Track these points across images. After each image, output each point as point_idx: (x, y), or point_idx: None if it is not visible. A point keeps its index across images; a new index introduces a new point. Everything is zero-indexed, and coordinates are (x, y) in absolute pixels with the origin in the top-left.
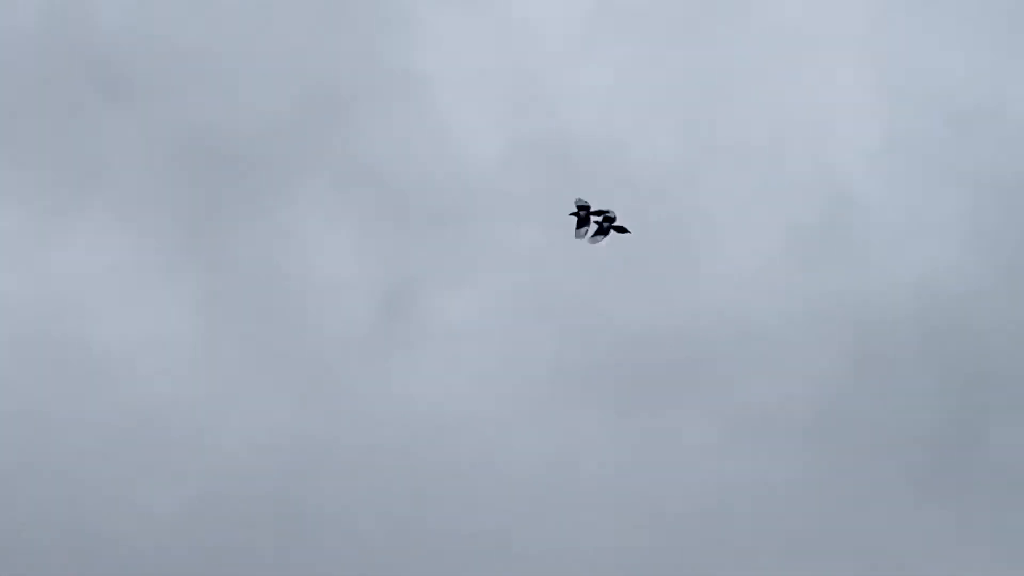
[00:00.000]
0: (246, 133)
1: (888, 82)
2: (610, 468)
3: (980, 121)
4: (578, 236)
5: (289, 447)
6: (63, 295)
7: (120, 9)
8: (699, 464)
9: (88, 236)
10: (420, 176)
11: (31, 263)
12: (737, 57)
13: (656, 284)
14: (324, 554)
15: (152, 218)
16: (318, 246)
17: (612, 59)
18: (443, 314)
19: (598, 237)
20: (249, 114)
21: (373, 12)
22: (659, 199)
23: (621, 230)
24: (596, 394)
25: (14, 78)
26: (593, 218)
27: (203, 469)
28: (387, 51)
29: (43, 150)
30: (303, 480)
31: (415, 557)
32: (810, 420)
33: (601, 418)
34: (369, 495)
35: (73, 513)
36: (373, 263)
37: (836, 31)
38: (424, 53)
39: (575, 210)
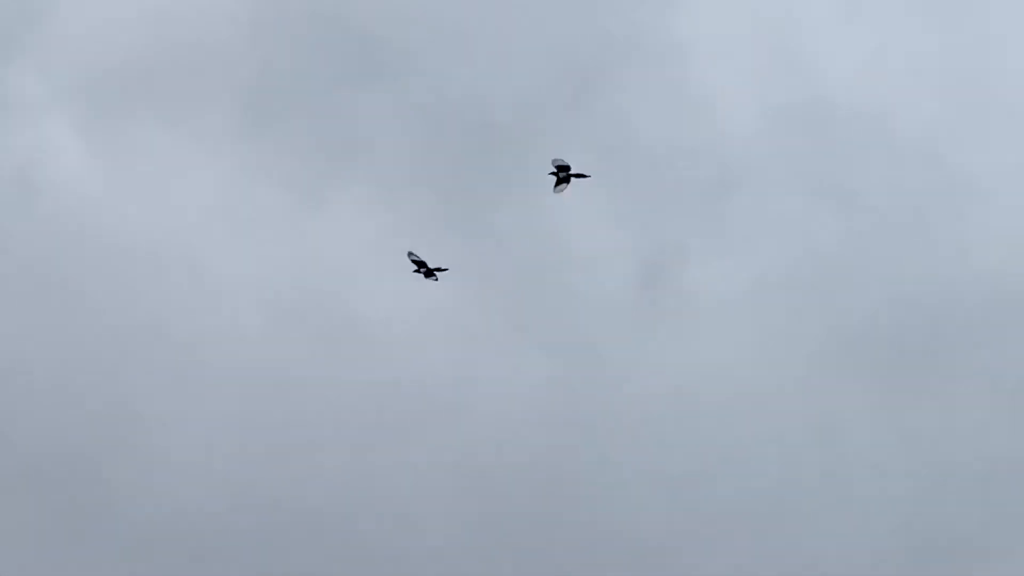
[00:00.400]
0: (504, 105)
1: None
2: (879, 444)
3: None
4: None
5: (549, 418)
6: (325, 270)
7: None
8: (973, 441)
9: (349, 211)
10: (679, 145)
11: (294, 238)
12: (1002, 17)
13: (924, 252)
14: (583, 522)
15: (411, 192)
16: (577, 217)
17: (873, 22)
18: (701, 285)
19: (562, 187)
20: (507, 86)
21: None
22: (923, 165)
23: (580, 176)
24: (864, 366)
25: (275, 57)
26: (428, 273)
27: (463, 441)
28: (645, 20)
29: (305, 127)
30: (562, 451)
31: (673, 527)
32: None
33: (869, 391)
34: (625, 465)
35: (333, 484)
36: (632, 234)
37: None
38: (681, 21)
39: (415, 267)
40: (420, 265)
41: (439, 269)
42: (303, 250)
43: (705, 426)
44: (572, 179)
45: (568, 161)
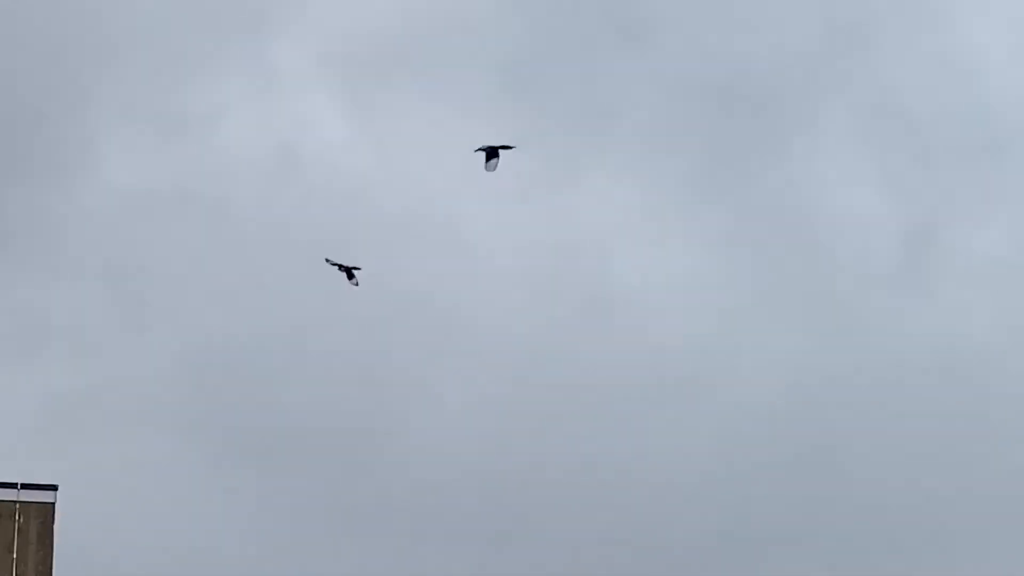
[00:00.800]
0: (761, 71)
1: None
2: None
3: None
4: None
5: (809, 385)
6: (583, 237)
7: None
8: None
9: (606, 177)
10: (943, 108)
11: (552, 206)
12: None
13: None
14: (843, 492)
15: (669, 157)
16: (840, 181)
17: None
18: (967, 250)
19: (493, 162)
20: (764, 51)
21: None
22: None
23: (505, 148)
24: None
25: (531, 25)
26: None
27: (724, 409)
28: None
29: (560, 94)
30: (823, 418)
31: (958, 504)
32: None
33: None
34: (891, 436)
35: (590, 451)
36: (896, 198)
37: None
38: None
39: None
40: (340, 267)
41: (355, 268)
42: (560, 218)
43: (977, 395)
44: (500, 152)
45: (491, 143)
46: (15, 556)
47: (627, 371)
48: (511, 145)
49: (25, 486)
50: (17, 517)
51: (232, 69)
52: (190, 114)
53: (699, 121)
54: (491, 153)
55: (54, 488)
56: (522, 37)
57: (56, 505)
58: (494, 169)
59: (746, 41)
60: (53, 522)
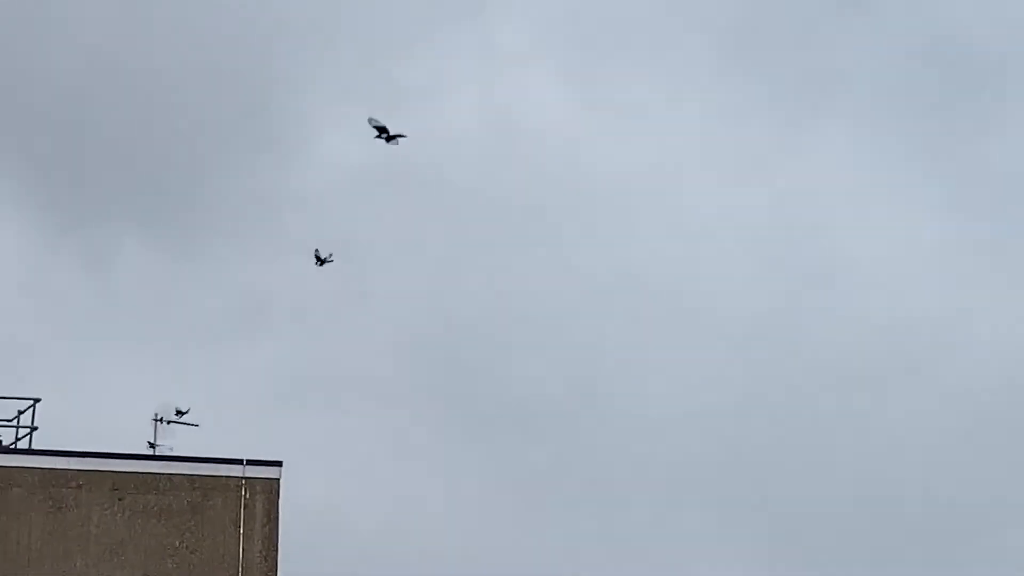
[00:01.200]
0: (992, 35)
1: None
2: None
3: None
4: None
5: None
6: (806, 209)
7: None
8: None
9: (829, 147)
10: None
11: (774, 177)
12: None
13: None
14: None
15: (894, 126)
16: None
17: None
18: None
19: (395, 140)
20: (994, 15)
21: None
22: None
23: (399, 136)
24: None
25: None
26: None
27: (953, 382)
28: None
29: (782, 63)
30: None
31: None
32: None
33: None
34: None
35: (818, 424)
36: None
37: None
38: None
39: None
40: (318, 260)
41: (330, 258)
42: (782, 189)
43: None
44: (397, 139)
45: (383, 123)
46: (242, 532)
47: (854, 345)
48: (404, 135)
49: (250, 462)
50: (243, 493)
51: (450, 45)
52: (407, 90)
53: (924, 89)
54: (389, 137)
55: (279, 464)
56: (744, 5)
57: (281, 481)
58: (396, 143)
59: (971, 7)
60: (278, 498)
